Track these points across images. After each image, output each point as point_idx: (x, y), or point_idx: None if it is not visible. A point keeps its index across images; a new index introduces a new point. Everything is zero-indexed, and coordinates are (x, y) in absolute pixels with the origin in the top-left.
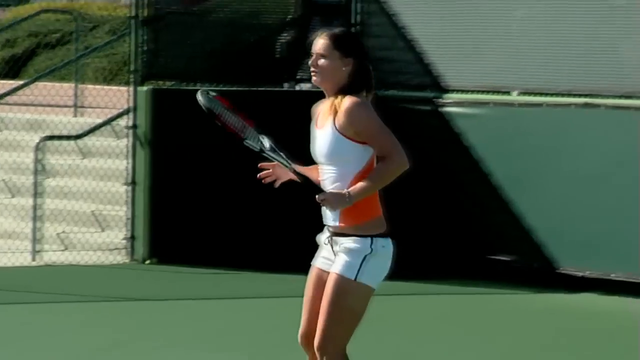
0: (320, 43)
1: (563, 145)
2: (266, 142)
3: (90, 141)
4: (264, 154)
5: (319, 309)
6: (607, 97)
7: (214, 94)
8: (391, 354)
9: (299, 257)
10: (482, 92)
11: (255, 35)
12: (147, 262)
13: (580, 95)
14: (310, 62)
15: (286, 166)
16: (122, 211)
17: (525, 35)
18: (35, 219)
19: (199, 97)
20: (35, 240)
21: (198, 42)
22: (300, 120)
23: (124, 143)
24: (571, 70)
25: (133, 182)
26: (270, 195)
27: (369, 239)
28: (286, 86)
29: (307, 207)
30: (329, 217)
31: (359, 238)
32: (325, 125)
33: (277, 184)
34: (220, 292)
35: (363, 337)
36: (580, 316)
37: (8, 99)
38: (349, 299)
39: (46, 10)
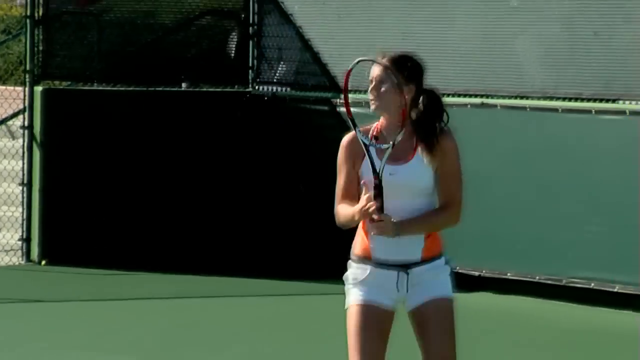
0: (380, 68)
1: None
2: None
3: None
4: (369, 146)
5: (380, 353)
6: (503, 97)
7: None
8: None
9: (190, 257)
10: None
11: (152, 34)
12: (43, 262)
13: (476, 96)
14: (370, 89)
15: (374, 174)
16: (17, 212)
17: (422, 34)
18: None
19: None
20: None
21: (94, 41)
22: (198, 120)
23: (18, 144)
24: (467, 70)
25: (28, 183)
26: (161, 195)
27: (443, 258)
28: (184, 86)
29: (199, 205)
30: (401, 251)
31: (440, 259)
32: (411, 160)
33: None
34: (112, 293)
35: None
36: (477, 315)
37: None
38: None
39: None
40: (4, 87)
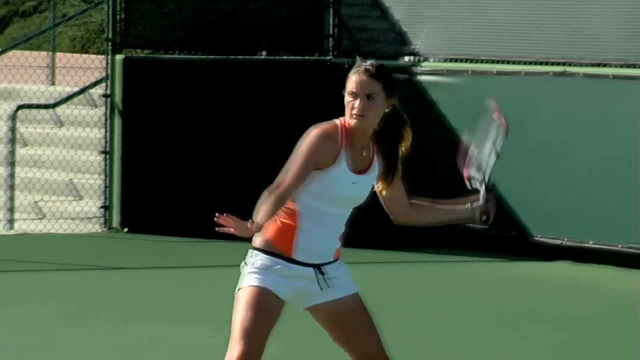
0: (370, 84)
1: (538, 114)
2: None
3: (65, 110)
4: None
5: (266, 333)
6: (583, 65)
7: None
8: None
9: None
10: (459, 60)
11: (231, 3)
12: (125, 230)
13: (556, 64)
14: (358, 104)
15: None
16: (99, 180)
17: (501, 2)
18: (11, 188)
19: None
20: (11, 209)
21: (174, 10)
22: (277, 89)
23: (100, 112)
24: (547, 38)
25: (108, 152)
26: (240, 163)
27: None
28: (263, 55)
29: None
30: (324, 254)
31: (342, 259)
32: (370, 171)
33: None
34: (192, 262)
35: None
36: (555, 285)
37: None
38: None
39: None
40: (85, 56)
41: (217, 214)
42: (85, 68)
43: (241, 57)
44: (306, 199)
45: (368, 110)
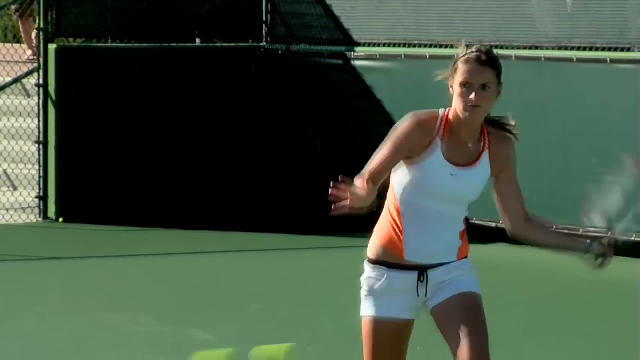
0: (487, 74)
1: None
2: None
3: None
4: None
5: (396, 356)
6: (517, 48)
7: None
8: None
9: (205, 213)
10: (392, 45)
11: None
12: (60, 220)
13: (490, 47)
14: (473, 95)
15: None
16: (33, 170)
17: None
18: None
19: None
20: None
21: None
22: (211, 76)
23: (34, 102)
24: (481, 21)
25: (44, 141)
26: (175, 151)
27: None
28: (198, 42)
29: (214, 161)
30: (435, 255)
31: (467, 259)
32: (477, 165)
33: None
34: (129, 251)
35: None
36: (493, 266)
37: None
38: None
39: None
40: (18, 46)
41: (333, 184)
42: (18, 58)
43: (175, 44)
44: (406, 196)
45: (484, 100)
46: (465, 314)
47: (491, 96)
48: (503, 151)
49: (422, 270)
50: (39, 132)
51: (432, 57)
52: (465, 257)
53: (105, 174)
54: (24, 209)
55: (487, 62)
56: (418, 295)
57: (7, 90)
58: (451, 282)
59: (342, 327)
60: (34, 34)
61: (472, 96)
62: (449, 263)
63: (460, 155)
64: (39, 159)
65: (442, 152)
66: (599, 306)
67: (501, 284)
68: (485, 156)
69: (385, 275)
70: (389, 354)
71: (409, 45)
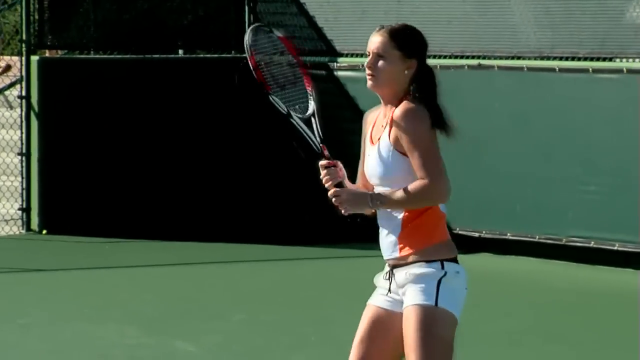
0: (377, 41)
1: (456, 107)
2: (309, 110)
3: None
4: (291, 120)
5: (380, 351)
6: (498, 58)
7: (278, 34)
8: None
9: (189, 224)
10: None
11: (147, 2)
12: (44, 232)
13: (471, 57)
14: (365, 63)
15: (314, 147)
16: (16, 182)
17: None
18: None
19: (247, 30)
20: None
21: (89, 10)
22: (194, 87)
23: (16, 114)
24: (462, 32)
25: (26, 153)
26: (159, 162)
27: (438, 263)
28: (180, 53)
29: (197, 172)
30: (386, 247)
31: (427, 264)
32: (380, 140)
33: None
34: (112, 262)
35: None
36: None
37: None
38: (438, 327)
39: None
40: (0, 57)
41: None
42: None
43: (158, 55)
44: None
45: (377, 69)
46: (405, 335)
47: (389, 67)
48: (397, 126)
49: (391, 268)
50: (22, 143)
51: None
52: (421, 260)
53: (88, 186)
54: (6, 221)
55: (384, 31)
56: (389, 292)
57: None
58: (406, 289)
59: (326, 337)
60: None
61: (366, 63)
62: (407, 264)
63: (376, 133)
64: (22, 170)
65: (368, 134)
66: (585, 315)
67: (485, 293)
68: (386, 130)
69: (385, 268)
70: (363, 345)
71: None
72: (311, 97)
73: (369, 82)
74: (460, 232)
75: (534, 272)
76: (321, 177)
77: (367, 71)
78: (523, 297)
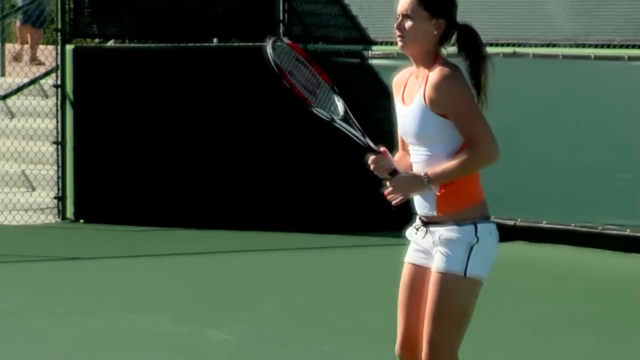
0: (404, 2)
1: (491, 94)
2: (340, 107)
3: (16, 101)
4: (335, 125)
5: (417, 312)
6: (533, 46)
7: (286, 41)
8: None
9: (222, 212)
10: None
11: None
12: (81, 221)
13: (506, 45)
14: (395, 25)
15: (360, 143)
16: (51, 171)
17: None
18: None
19: (268, 49)
20: None
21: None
22: (228, 76)
23: (51, 103)
24: (497, 20)
25: (61, 142)
26: (193, 151)
27: (472, 226)
28: (214, 42)
29: (232, 160)
30: (422, 204)
31: (460, 227)
32: (413, 101)
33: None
34: (146, 250)
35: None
36: (516, 264)
37: None
38: (458, 298)
39: None
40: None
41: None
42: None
43: (192, 44)
44: None
45: (405, 30)
46: (428, 299)
47: (416, 26)
48: (436, 91)
49: (425, 225)
50: (57, 132)
51: (449, 56)
52: (457, 221)
53: (122, 174)
54: (42, 210)
55: None
56: (422, 247)
57: (25, 91)
58: (435, 252)
59: (358, 326)
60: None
61: (395, 25)
62: (442, 224)
63: (408, 94)
64: (57, 159)
65: (400, 94)
66: (620, 304)
67: (520, 281)
68: (421, 91)
69: (414, 223)
70: (410, 302)
71: None
72: (335, 91)
73: (399, 43)
74: (494, 220)
75: (568, 260)
76: (372, 168)
77: (397, 32)
78: (557, 286)
